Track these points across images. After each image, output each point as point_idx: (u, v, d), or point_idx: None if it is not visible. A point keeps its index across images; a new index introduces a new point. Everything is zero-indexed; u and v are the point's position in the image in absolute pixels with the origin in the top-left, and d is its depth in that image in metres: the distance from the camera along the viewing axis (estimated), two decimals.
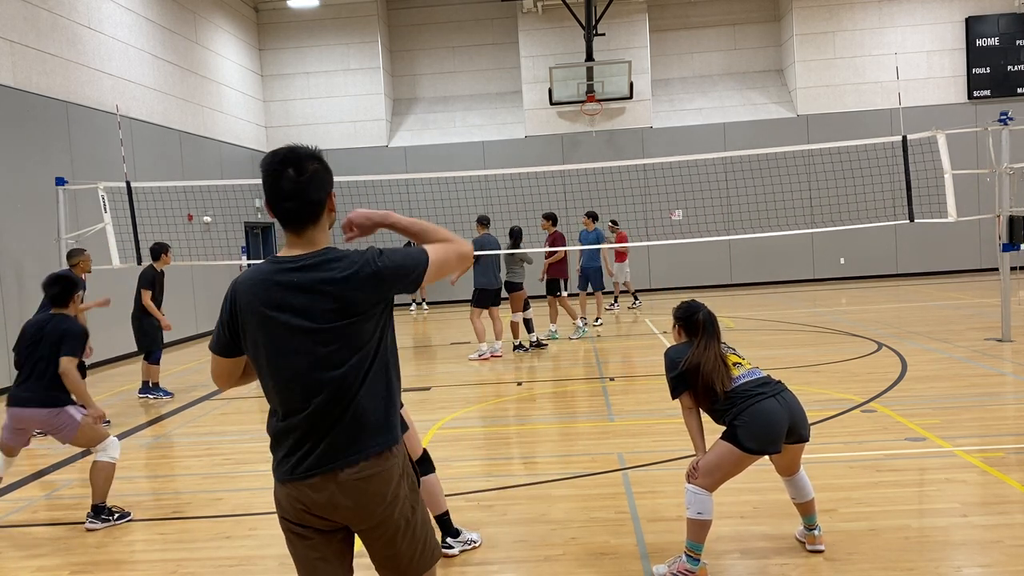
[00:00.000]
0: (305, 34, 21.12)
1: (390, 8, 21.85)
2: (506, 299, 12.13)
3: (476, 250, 11.60)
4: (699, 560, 4.11)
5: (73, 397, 5.38)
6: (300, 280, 2.51)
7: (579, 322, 13.29)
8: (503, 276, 11.98)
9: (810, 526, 4.38)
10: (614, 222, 17.04)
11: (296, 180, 2.53)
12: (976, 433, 6.54)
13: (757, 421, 4.02)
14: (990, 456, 5.81)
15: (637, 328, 14.41)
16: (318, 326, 2.50)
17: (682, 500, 4.22)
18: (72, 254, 9.07)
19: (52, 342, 5.33)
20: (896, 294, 17.30)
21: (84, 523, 5.41)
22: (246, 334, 2.57)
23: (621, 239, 16.21)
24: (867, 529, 4.61)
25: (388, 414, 2.62)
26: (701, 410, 4.26)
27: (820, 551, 4.32)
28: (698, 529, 4.09)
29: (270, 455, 2.64)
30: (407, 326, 17.02)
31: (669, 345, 4.43)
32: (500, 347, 11.99)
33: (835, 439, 6.47)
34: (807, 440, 4.24)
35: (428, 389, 9.85)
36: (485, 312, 11.88)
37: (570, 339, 13.07)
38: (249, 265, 19.34)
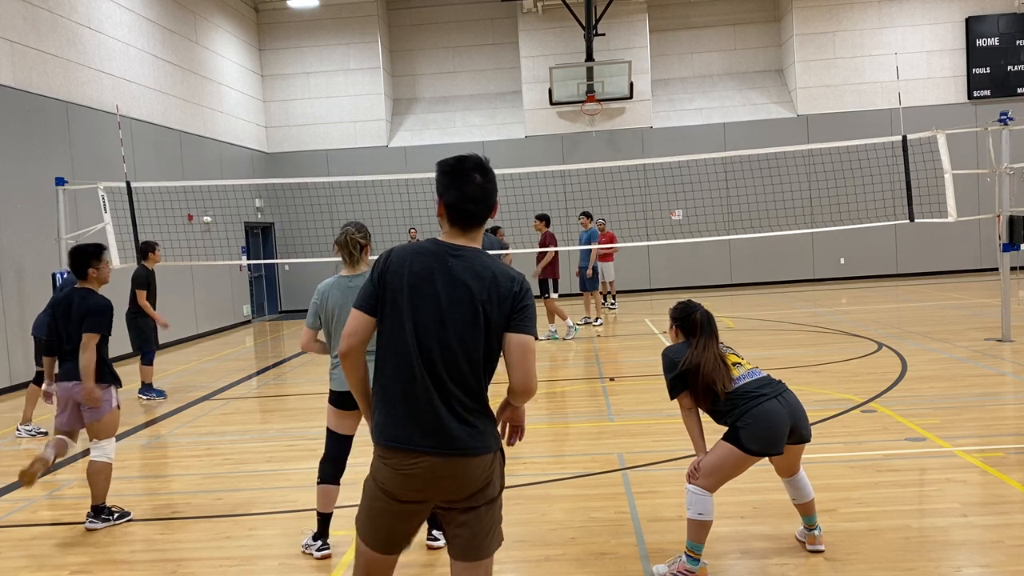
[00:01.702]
0: (305, 34, 21.12)
1: (390, 8, 21.84)
2: None
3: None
4: (699, 560, 4.11)
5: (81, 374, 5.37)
6: (454, 265, 2.74)
7: (569, 322, 13.31)
8: None
9: (810, 526, 4.38)
10: (602, 220, 17.04)
11: (483, 186, 2.81)
12: (976, 433, 6.54)
13: (760, 423, 4.00)
14: (990, 456, 5.81)
15: (637, 328, 14.41)
16: (452, 309, 2.70)
17: (682, 500, 4.23)
18: None
19: (79, 318, 5.37)
20: (896, 294, 17.30)
21: (84, 523, 5.41)
22: (386, 293, 2.75)
23: (608, 239, 16.25)
24: (867, 529, 4.61)
25: (488, 409, 2.82)
26: (700, 410, 4.26)
27: (820, 551, 4.32)
28: (699, 529, 4.09)
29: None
30: None
31: (668, 345, 4.42)
32: None
33: (835, 439, 6.47)
34: (808, 440, 4.23)
35: None
36: None
37: (563, 339, 13.11)
38: (249, 266, 19.37)
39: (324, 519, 4.70)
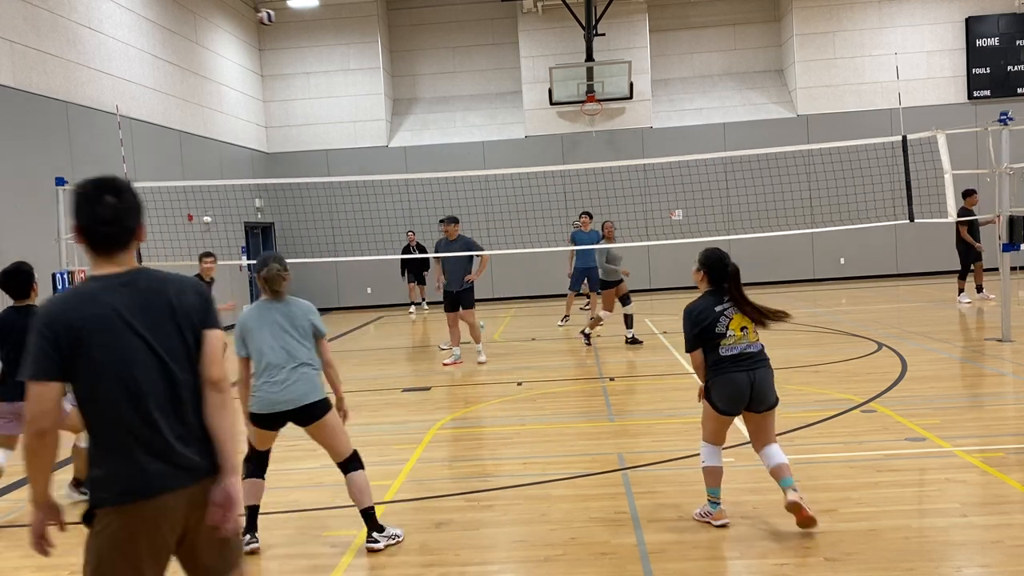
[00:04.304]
0: (305, 34, 21.11)
1: (390, 8, 21.84)
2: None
3: (462, 250, 11.11)
4: (718, 503, 4.72)
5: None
6: (129, 295, 2.60)
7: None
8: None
9: (785, 486, 4.55)
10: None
11: (116, 207, 2.62)
12: (976, 433, 6.54)
13: (723, 387, 4.64)
14: (990, 456, 5.81)
15: (637, 328, 14.35)
16: (153, 336, 2.61)
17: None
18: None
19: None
20: (896, 294, 17.31)
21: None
22: (72, 352, 2.54)
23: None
24: (867, 529, 4.61)
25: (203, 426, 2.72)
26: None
27: (800, 501, 4.44)
28: (708, 476, 4.72)
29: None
30: (407, 327, 17.02)
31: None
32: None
33: (835, 439, 6.48)
34: (774, 406, 4.72)
35: (428, 389, 9.85)
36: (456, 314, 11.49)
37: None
38: (249, 266, 19.35)
39: (253, 512, 4.78)
